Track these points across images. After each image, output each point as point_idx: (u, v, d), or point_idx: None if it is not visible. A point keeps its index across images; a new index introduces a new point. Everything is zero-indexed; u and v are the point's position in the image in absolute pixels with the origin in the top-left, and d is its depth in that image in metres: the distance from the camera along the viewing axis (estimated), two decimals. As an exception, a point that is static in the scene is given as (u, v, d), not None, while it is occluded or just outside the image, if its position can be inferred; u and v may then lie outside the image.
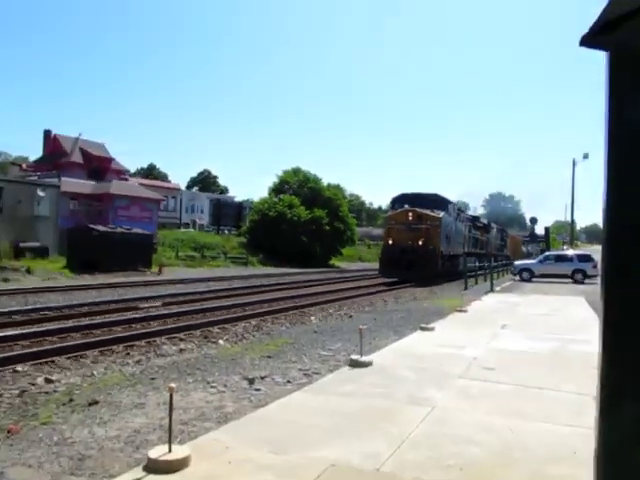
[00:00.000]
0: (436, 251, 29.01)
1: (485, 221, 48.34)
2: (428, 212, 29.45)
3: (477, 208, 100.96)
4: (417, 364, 7.98)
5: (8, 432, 5.01)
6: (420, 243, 28.79)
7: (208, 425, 5.23)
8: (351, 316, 14.79)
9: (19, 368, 7.88)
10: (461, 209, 36.88)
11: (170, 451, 4.13)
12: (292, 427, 5.05)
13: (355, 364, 7.72)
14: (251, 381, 7.04)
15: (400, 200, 31.48)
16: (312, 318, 14.02)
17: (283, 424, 5.14)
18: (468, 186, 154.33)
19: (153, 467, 4.00)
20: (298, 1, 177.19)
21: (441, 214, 30.04)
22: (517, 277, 32.13)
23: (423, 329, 11.30)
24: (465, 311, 14.97)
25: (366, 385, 6.69)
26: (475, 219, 43.74)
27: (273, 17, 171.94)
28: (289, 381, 7.15)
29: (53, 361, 8.39)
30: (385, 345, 9.66)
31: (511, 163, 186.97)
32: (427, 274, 27.67)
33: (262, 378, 7.24)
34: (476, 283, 26.63)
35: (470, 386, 6.81)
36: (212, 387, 6.76)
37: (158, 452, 4.14)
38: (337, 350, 9.34)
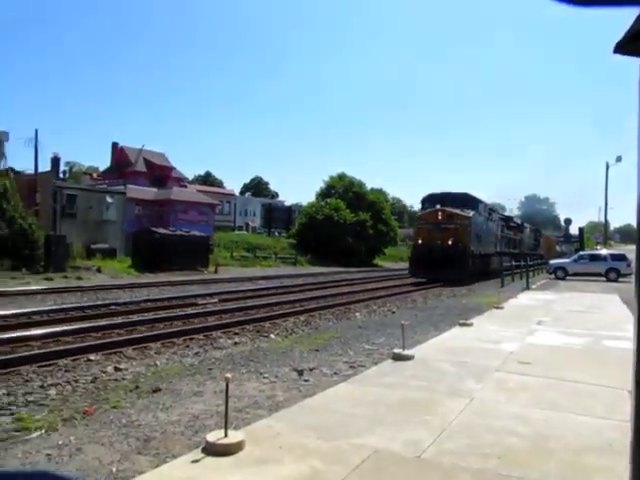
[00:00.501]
0: (466, 250, 27.08)
1: (518, 221, 46.27)
2: (458, 211, 27.68)
3: (513, 210, 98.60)
4: (456, 358, 7.89)
5: (84, 413, 5.22)
6: (450, 242, 26.92)
7: (261, 412, 5.30)
8: (394, 312, 14.71)
9: (92, 357, 8.15)
10: (493, 209, 34.77)
11: (226, 436, 4.21)
12: (338, 416, 5.07)
13: (398, 357, 7.69)
14: (300, 372, 7.10)
15: (430, 200, 29.68)
16: (357, 314, 14.01)
17: (330, 413, 5.17)
18: (500, 188, 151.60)
19: (211, 450, 4.08)
20: (352, 8, 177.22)
21: (471, 213, 28.17)
22: (552, 275, 31.42)
23: (462, 325, 11.17)
24: (502, 308, 14.71)
25: (408, 377, 6.65)
26: (508, 219, 41.61)
27: (319, 28, 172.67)
28: (335, 373, 7.18)
29: (121, 351, 8.62)
30: (426, 340, 9.59)
31: (546, 165, 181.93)
32: (457, 274, 25.89)
33: (310, 370, 7.29)
34: (512, 281, 26.07)
35: (507, 379, 6.69)
36: (264, 378, 6.85)
37: (215, 436, 4.22)
38: (380, 344, 9.31)
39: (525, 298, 18.55)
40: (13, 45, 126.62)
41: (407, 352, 7.87)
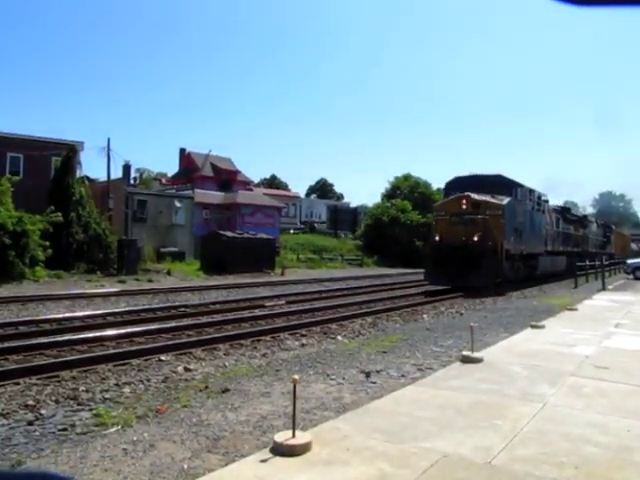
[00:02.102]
0: (497, 248, 20.75)
1: (580, 213, 40.39)
2: (487, 198, 21.59)
3: (586, 208, 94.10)
4: (527, 361, 7.66)
5: (157, 412, 5.45)
6: (476, 239, 20.53)
7: (328, 414, 5.33)
8: (462, 314, 14.44)
9: (163, 357, 8.46)
10: (541, 196, 27.29)
11: (294, 436, 4.27)
12: (405, 419, 5.04)
13: (466, 360, 7.54)
14: (367, 374, 7.09)
15: (455, 185, 23.45)
16: (424, 316, 13.84)
17: (397, 415, 5.15)
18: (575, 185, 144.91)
19: (278, 450, 4.15)
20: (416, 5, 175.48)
21: (505, 200, 21.84)
22: (630, 276, 29.84)
23: (533, 327, 10.84)
24: (576, 309, 14.14)
25: (477, 380, 6.52)
26: (564, 210, 34.35)
27: (381, 25, 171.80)
28: (403, 375, 7.12)
29: (191, 352, 8.88)
30: (495, 342, 9.36)
31: (622, 161, 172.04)
32: (486, 279, 20.19)
33: (377, 372, 7.27)
34: (586, 282, 24.98)
35: (582, 384, 6.42)
36: (331, 379, 6.88)
37: (283, 437, 4.29)
38: (449, 346, 9.16)
39: (601, 299, 17.75)
40: (87, 60, 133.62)
41: (476, 354, 7.71)
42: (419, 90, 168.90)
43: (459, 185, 22.91)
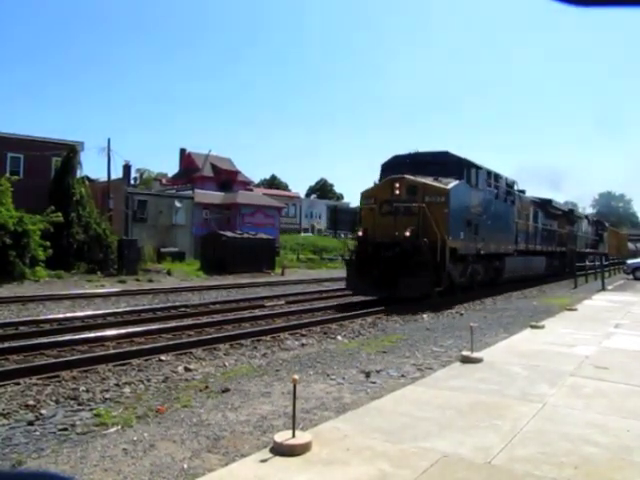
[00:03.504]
0: (437, 246, 15.29)
1: (565, 207, 33.90)
2: (428, 181, 16.41)
3: (586, 209, 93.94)
4: (527, 361, 7.67)
5: (157, 412, 5.46)
6: (407, 234, 15.41)
7: (328, 414, 5.34)
8: (462, 314, 14.43)
9: (163, 357, 8.46)
10: (512, 184, 22.42)
11: (294, 436, 4.27)
12: (405, 419, 5.04)
13: (466, 360, 7.55)
14: (367, 374, 7.09)
15: (392, 167, 17.70)
16: (424, 316, 13.84)
17: (397, 415, 5.15)
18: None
19: (278, 450, 4.16)
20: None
21: (451, 184, 16.52)
22: (630, 276, 29.87)
23: (533, 327, 10.86)
24: (575, 310, 14.16)
25: (477, 380, 6.53)
26: (546, 203, 28.72)
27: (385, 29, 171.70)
28: (403, 375, 7.13)
29: (191, 352, 8.89)
30: (495, 342, 9.38)
31: (623, 160, 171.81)
32: (417, 289, 15.22)
33: (377, 372, 7.27)
34: (586, 282, 24.99)
35: (582, 385, 6.43)
36: (331, 379, 6.89)
37: (283, 437, 4.30)
38: (448, 346, 9.17)
39: (601, 299, 17.77)
40: (83, 60, 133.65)
41: (476, 354, 7.72)
42: (419, 90, 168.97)
43: (398, 166, 17.38)
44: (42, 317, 12.50)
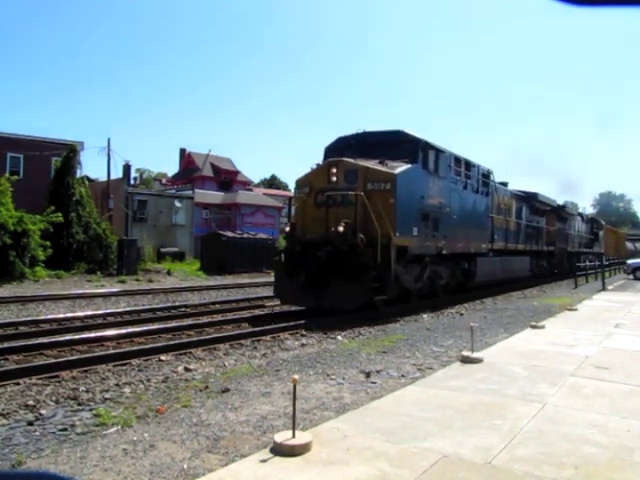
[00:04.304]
0: (378, 244, 12.32)
1: (554, 202, 29.58)
2: (370, 164, 13.43)
3: (586, 209, 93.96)
4: (527, 361, 7.67)
5: (157, 412, 5.45)
6: (341, 229, 12.48)
7: (328, 414, 5.33)
8: (462, 314, 14.43)
9: (163, 357, 8.46)
10: (488, 174, 19.49)
11: (294, 436, 4.27)
12: (406, 419, 5.04)
13: (466, 360, 7.55)
14: (367, 374, 7.09)
15: (336, 150, 14.84)
16: (424, 316, 13.83)
17: (397, 416, 5.15)
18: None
19: (278, 450, 4.16)
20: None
21: (399, 168, 13.45)
22: (630, 276, 29.93)
23: (533, 327, 10.86)
24: (576, 309, 14.17)
25: (477, 380, 6.52)
26: (531, 197, 25.73)
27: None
28: (403, 375, 7.13)
29: (191, 352, 8.89)
30: (495, 342, 9.39)
31: (622, 160, 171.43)
32: (353, 298, 12.31)
33: (378, 372, 7.27)
34: (586, 282, 24.99)
35: (583, 385, 6.43)
36: (331, 379, 6.88)
37: (283, 437, 4.29)
38: (449, 346, 9.17)
39: (601, 299, 17.80)
40: (84, 58, 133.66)
41: (476, 355, 7.71)
42: (421, 91, 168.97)
43: (342, 149, 14.66)
44: (42, 317, 12.50)
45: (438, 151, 15.44)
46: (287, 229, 14.30)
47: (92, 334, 10.12)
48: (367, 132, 15.03)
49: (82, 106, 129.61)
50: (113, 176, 33.64)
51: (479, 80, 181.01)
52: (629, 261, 33.74)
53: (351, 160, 13.47)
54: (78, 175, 30.60)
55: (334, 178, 13.37)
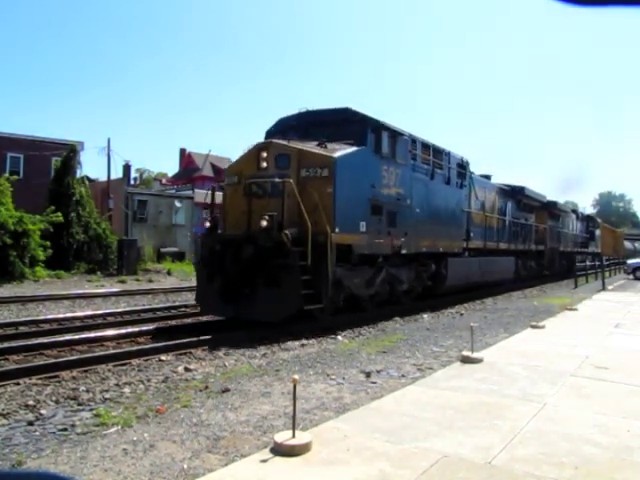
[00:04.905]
0: (308, 242, 10.31)
1: (545, 198, 27.46)
2: (306, 147, 11.48)
3: (586, 209, 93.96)
4: (527, 361, 7.67)
5: (157, 412, 5.45)
6: (264, 224, 10.42)
7: (328, 414, 5.33)
8: (462, 314, 14.44)
9: (163, 357, 8.46)
10: (464, 166, 17.18)
11: (294, 436, 4.27)
12: (406, 419, 5.04)
13: (466, 360, 7.55)
14: (367, 374, 7.09)
15: (279, 132, 13.04)
16: (424, 316, 13.83)
17: (397, 416, 5.15)
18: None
19: (279, 450, 4.16)
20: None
21: (341, 151, 11.38)
22: (630, 276, 29.95)
23: (533, 327, 10.87)
24: (576, 309, 14.20)
25: (477, 380, 6.53)
26: (517, 191, 23.53)
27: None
28: (403, 375, 7.13)
29: (191, 352, 8.88)
30: (495, 342, 9.40)
31: (622, 160, 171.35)
32: (277, 307, 10.31)
33: (378, 372, 7.27)
34: (586, 282, 24.99)
35: (583, 385, 6.43)
36: (331, 379, 6.88)
37: (283, 437, 4.29)
38: (449, 346, 9.17)
39: (601, 299, 17.83)
40: (87, 59, 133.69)
41: (476, 355, 7.72)
42: (422, 91, 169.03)
43: (286, 132, 12.70)
44: (42, 317, 12.48)
45: (395, 133, 13.05)
46: (207, 224, 12.18)
47: (92, 334, 10.12)
48: (310, 111, 13.06)
49: (82, 106, 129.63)
50: (113, 176, 33.70)
51: (479, 80, 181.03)
52: (629, 261, 33.75)
53: (283, 142, 11.52)
54: (78, 175, 30.61)
55: (264, 164, 11.30)
